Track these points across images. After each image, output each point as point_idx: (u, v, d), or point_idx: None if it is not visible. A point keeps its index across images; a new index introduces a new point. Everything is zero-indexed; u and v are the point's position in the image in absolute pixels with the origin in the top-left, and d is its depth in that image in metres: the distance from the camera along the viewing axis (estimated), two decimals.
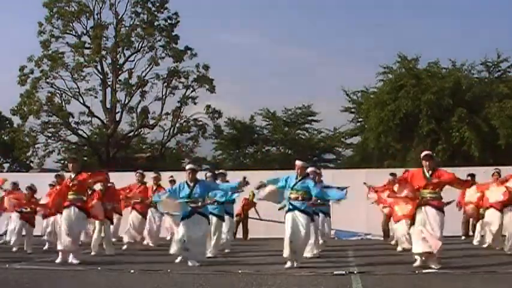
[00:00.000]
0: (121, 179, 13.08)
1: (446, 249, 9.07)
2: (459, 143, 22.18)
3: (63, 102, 28.75)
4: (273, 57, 53.26)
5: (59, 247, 9.23)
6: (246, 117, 30.59)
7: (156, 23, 29.43)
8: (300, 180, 8.81)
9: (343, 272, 7.65)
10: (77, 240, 9.33)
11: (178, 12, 29.77)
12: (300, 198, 8.69)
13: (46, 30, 28.56)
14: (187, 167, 9.69)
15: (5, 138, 34.46)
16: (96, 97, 29.16)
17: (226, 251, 11.06)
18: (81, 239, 10.40)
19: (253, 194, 14.66)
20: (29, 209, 11.77)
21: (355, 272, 7.71)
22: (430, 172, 8.33)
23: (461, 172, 12.77)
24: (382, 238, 13.87)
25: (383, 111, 23.22)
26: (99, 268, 8.49)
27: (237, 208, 13.33)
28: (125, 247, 11.94)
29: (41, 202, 11.76)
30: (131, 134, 30.59)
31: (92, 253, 10.70)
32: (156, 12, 29.55)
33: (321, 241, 10.41)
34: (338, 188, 10.48)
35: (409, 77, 23.51)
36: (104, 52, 28.74)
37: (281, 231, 8.93)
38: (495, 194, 10.50)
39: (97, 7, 28.96)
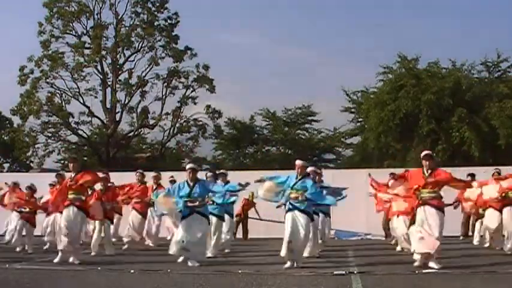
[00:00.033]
0: (121, 179, 13.08)
1: (446, 249, 9.08)
2: (459, 143, 22.19)
3: (63, 102, 28.78)
4: (273, 57, 53.34)
5: (59, 247, 9.26)
6: (246, 117, 30.66)
7: (156, 23, 29.44)
8: (299, 180, 8.81)
9: (343, 272, 7.66)
10: (75, 240, 9.32)
11: (178, 12, 29.85)
12: (299, 198, 8.70)
13: (46, 30, 28.60)
14: (188, 166, 9.73)
15: (5, 138, 34.46)
16: (96, 97, 29.23)
17: (226, 251, 11.07)
18: (82, 239, 10.41)
19: (253, 195, 14.67)
20: (27, 209, 11.76)
21: (355, 272, 7.72)
22: (429, 172, 8.36)
23: (461, 172, 12.83)
24: (383, 238, 13.88)
25: (383, 111, 23.23)
26: (99, 268, 8.49)
27: (237, 208, 13.35)
28: (125, 247, 11.94)
29: (43, 200, 11.80)
30: (131, 134, 30.60)
31: (92, 253, 10.70)
32: (156, 12, 29.56)
33: (320, 241, 10.41)
34: (337, 188, 10.50)
35: (409, 77, 23.51)
36: (104, 52, 28.75)
37: (281, 231, 8.93)
38: (491, 190, 10.51)
39: (97, 7, 29.03)
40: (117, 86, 29.26)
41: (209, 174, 10.85)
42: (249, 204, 15.08)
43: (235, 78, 50.76)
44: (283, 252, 8.53)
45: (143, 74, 29.21)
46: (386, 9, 49.89)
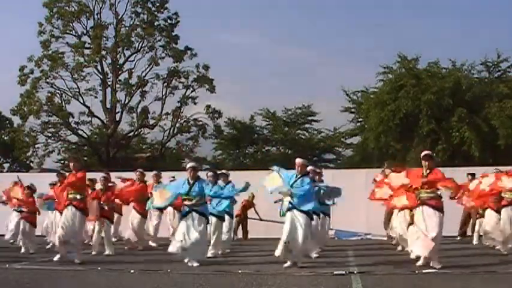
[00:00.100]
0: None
1: (446, 249, 9.10)
2: (459, 143, 22.18)
3: (63, 102, 28.79)
4: (273, 57, 53.33)
5: (56, 246, 9.33)
6: (246, 117, 30.64)
7: (156, 23, 29.45)
8: (299, 178, 8.82)
9: (343, 272, 7.66)
10: (75, 239, 9.34)
11: (178, 12, 29.87)
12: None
13: (46, 30, 28.60)
14: (189, 165, 9.82)
15: (5, 138, 34.47)
16: (96, 97, 29.25)
17: (227, 251, 11.06)
18: (84, 239, 10.45)
19: (253, 195, 14.70)
20: (25, 209, 11.75)
21: (355, 272, 7.72)
22: (428, 172, 8.41)
23: (461, 172, 12.86)
24: (382, 238, 13.83)
25: (383, 111, 23.22)
26: (99, 268, 8.49)
27: (237, 209, 13.37)
28: (133, 247, 11.95)
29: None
30: (131, 134, 30.61)
31: (92, 253, 10.71)
32: (156, 12, 29.56)
33: (319, 249, 10.37)
34: (334, 188, 10.49)
35: (409, 77, 23.50)
36: (104, 52, 28.76)
37: (281, 231, 8.92)
38: (487, 180, 10.50)
39: (97, 7, 29.04)
40: (117, 86, 29.28)
41: (210, 174, 10.87)
42: (249, 204, 15.08)
43: (235, 78, 50.81)
44: (277, 252, 8.54)
45: (143, 74, 29.29)
46: (386, 9, 49.96)
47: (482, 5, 49.23)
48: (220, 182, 10.73)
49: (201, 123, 29.72)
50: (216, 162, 29.33)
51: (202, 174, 10.25)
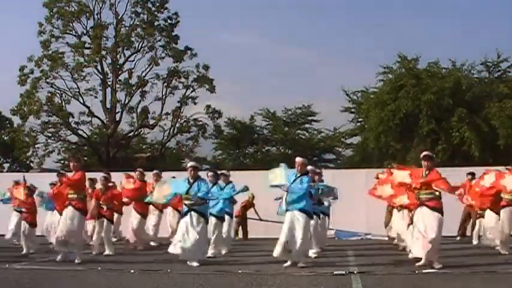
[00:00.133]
0: (121, 179, 13.07)
1: (446, 249, 9.10)
2: (459, 143, 22.17)
3: (63, 102, 28.77)
4: (273, 57, 53.32)
5: (55, 246, 9.34)
6: (246, 117, 30.63)
7: (156, 23, 29.43)
8: (298, 178, 8.82)
9: (343, 272, 7.66)
10: (75, 239, 9.34)
11: (178, 12, 29.84)
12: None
13: (46, 30, 28.58)
14: (189, 164, 9.85)
15: (5, 138, 34.46)
16: (96, 97, 29.22)
17: (226, 251, 11.06)
18: (84, 239, 10.45)
19: (253, 196, 14.70)
20: (25, 209, 11.75)
21: (355, 272, 7.73)
22: (427, 172, 8.43)
23: (462, 172, 12.86)
24: (382, 238, 13.83)
25: (383, 111, 23.21)
26: (99, 268, 8.50)
27: (237, 209, 13.37)
28: (133, 247, 11.94)
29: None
30: (131, 134, 30.60)
31: (93, 252, 10.72)
32: (156, 12, 29.55)
33: (319, 249, 10.37)
34: (328, 187, 10.52)
35: (409, 77, 23.48)
36: (104, 52, 28.74)
37: (281, 231, 8.93)
38: (489, 178, 10.48)
39: (97, 7, 29.01)
40: (117, 86, 29.27)
41: (210, 173, 10.89)
42: (249, 205, 15.08)
43: (235, 78, 50.80)
44: (276, 252, 8.55)
45: (143, 74, 29.27)
46: (386, 9, 49.96)
47: (482, 5, 49.30)
48: (221, 182, 10.73)
49: (201, 123, 29.74)
50: (216, 162, 29.33)
51: (202, 174, 10.26)
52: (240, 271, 7.97)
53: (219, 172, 11.19)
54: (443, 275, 7.58)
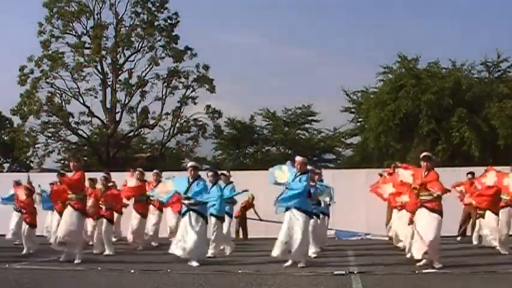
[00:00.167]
0: (121, 179, 13.08)
1: (446, 249, 9.10)
2: (459, 143, 22.18)
3: (63, 102, 28.77)
4: (273, 57, 53.32)
5: (56, 246, 9.36)
6: (246, 117, 30.64)
7: (156, 23, 29.43)
8: (297, 176, 8.82)
9: (343, 272, 7.66)
10: (75, 239, 9.34)
11: (178, 12, 29.84)
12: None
13: (46, 30, 28.58)
14: (189, 164, 9.90)
15: (5, 138, 34.46)
16: (96, 97, 29.22)
17: (231, 251, 11.04)
18: (84, 239, 10.45)
19: (253, 196, 14.69)
20: (24, 210, 11.75)
21: (355, 272, 7.73)
22: (426, 173, 8.44)
23: (462, 172, 12.87)
24: (383, 238, 13.83)
25: (383, 111, 23.21)
26: (99, 268, 8.50)
27: (237, 209, 13.36)
28: (134, 247, 11.94)
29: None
30: (131, 134, 30.60)
31: (94, 251, 10.73)
32: (156, 12, 29.55)
33: (318, 249, 10.37)
34: (327, 187, 10.52)
35: (409, 77, 23.49)
36: (104, 52, 28.74)
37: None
38: (489, 178, 10.51)
39: (97, 7, 29.02)
40: (117, 86, 29.27)
41: (210, 173, 10.90)
42: (249, 205, 15.08)
43: (235, 78, 50.81)
44: (274, 252, 8.55)
45: (143, 74, 29.27)
46: (386, 9, 49.95)
47: (482, 5, 49.29)
48: (221, 182, 10.72)
49: (201, 123, 29.74)
50: (216, 162, 29.34)
51: (202, 174, 10.27)
52: (240, 271, 7.98)
53: (219, 172, 11.19)
54: (443, 275, 7.58)
